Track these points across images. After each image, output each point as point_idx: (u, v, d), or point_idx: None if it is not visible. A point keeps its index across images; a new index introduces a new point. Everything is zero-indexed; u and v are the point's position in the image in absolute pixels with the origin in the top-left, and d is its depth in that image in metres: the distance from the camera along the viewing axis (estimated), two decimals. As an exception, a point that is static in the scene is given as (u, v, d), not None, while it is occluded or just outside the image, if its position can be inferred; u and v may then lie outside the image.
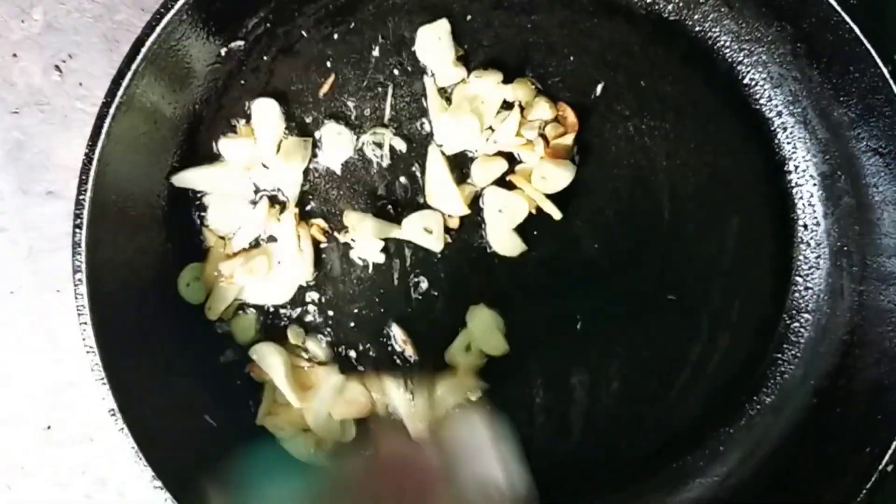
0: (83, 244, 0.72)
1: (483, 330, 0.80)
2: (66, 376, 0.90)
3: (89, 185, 0.71)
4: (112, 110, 0.68)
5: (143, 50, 0.71)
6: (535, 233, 0.81)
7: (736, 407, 0.82)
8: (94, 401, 0.89)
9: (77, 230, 0.71)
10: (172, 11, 0.70)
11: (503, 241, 0.80)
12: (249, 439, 0.83)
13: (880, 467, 0.70)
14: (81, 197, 0.71)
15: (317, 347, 0.83)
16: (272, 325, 0.83)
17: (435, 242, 0.80)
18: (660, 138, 0.79)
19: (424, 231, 0.79)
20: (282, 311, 0.83)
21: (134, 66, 0.70)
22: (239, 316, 0.83)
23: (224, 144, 0.80)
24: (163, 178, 0.79)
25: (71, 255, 0.72)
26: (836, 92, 0.74)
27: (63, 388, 0.91)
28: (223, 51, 0.78)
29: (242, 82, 0.79)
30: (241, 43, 0.78)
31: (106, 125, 0.68)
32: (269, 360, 0.81)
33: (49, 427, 0.91)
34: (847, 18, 0.66)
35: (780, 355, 0.81)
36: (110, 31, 0.85)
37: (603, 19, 0.79)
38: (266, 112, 0.79)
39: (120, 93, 0.69)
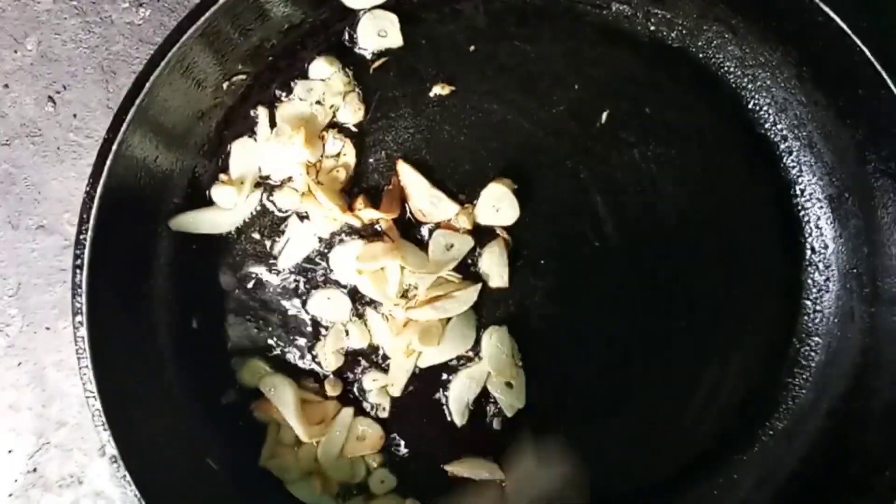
0: (84, 285, 0.69)
1: (496, 353, 0.79)
2: (55, 417, 0.87)
3: (90, 224, 0.69)
4: (115, 147, 0.66)
5: (151, 79, 0.69)
6: (542, 262, 0.80)
7: (749, 433, 0.82)
8: (83, 442, 0.87)
9: (77, 271, 0.69)
10: (176, 47, 0.69)
11: (494, 273, 0.80)
12: (252, 482, 0.81)
13: (901, 489, 0.70)
14: (82, 237, 0.68)
15: (330, 386, 0.81)
16: (282, 369, 0.82)
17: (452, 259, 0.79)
18: (666, 165, 0.79)
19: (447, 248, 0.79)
20: (289, 355, 0.82)
21: (140, 97, 0.69)
22: (248, 360, 0.81)
23: (215, 192, 0.79)
24: (163, 220, 0.78)
25: (71, 297, 0.70)
26: (843, 115, 0.74)
27: (51, 429, 0.88)
28: (225, 84, 0.77)
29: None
30: (243, 77, 0.77)
31: (109, 161, 0.66)
32: (281, 393, 0.79)
33: (35, 470, 0.88)
34: (858, 41, 0.66)
35: (791, 380, 0.81)
36: (107, 62, 0.83)
37: (607, 48, 0.79)
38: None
39: (124, 127, 0.68)
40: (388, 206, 0.78)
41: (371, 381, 0.81)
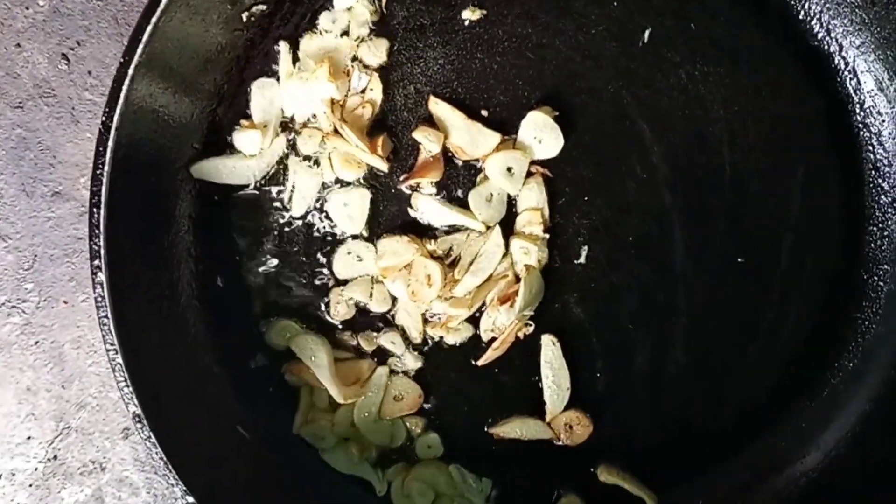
0: (101, 226, 0.65)
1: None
2: (75, 399, 0.83)
3: (107, 158, 0.65)
4: (131, 70, 0.62)
5: (153, 20, 0.65)
6: (585, 198, 0.76)
7: (815, 376, 0.77)
8: (104, 425, 0.83)
9: (94, 210, 0.65)
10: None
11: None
12: (286, 451, 0.77)
13: None
14: (99, 171, 0.65)
15: (364, 341, 0.77)
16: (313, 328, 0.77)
17: (515, 183, 0.75)
18: (715, 85, 0.75)
19: (508, 172, 0.74)
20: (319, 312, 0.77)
21: (143, 41, 0.65)
22: (277, 319, 0.77)
23: (237, 137, 0.75)
24: (183, 168, 0.74)
25: (88, 239, 0.66)
26: (904, 13, 0.70)
27: (71, 412, 0.84)
28: (244, 16, 0.73)
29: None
30: (262, 6, 0.73)
31: (125, 85, 0.62)
32: (314, 353, 0.75)
33: (55, 457, 0.84)
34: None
35: (859, 314, 0.76)
36: (121, 14, 0.80)
37: (645, -40, 0.75)
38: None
39: (138, 51, 0.64)
40: (425, 169, 0.74)
41: (389, 343, 0.76)
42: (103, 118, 0.63)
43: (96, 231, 0.63)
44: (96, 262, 0.64)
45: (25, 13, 0.81)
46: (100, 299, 0.65)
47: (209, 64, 0.72)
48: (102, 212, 0.63)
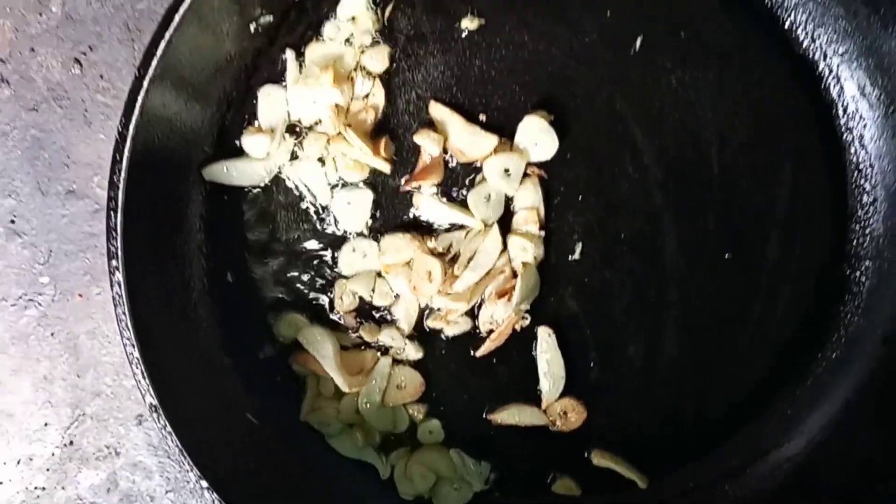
0: (118, 228, 0.68)
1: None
2: (90, 387, 0.86)
3: (122, 173, 0.67)
4: (146, 83, 0.65)
5: (167, 34, 0.68)
6: (579, 198, 0.78)
7: (801, 366, 0.79)
8: (118, 412, 0.86)
9: (111, 213, 0.68)
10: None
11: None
12: (293, 437, 0.80)
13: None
14: (115, 177, 0.67)
15: (366, 332, 0.80)
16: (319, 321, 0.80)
17: (512, 184, 0.77)
18: (704, 89, 0.77)
19: (505, 173, 0.77)
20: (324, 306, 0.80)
21: (158, 54, 0.67)
22: (285, 313, 0.80)
23: (245, 141, 0.78)
24: (194, 172, 0.77)
25: (106, 240, 0.69)
26: (885, 23, 0.72)
27: (86, 400, 0.87)
28: (252, 26, 0.76)
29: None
30: (269, 17, 0.76)
31: (133, 120, 0.65)
32: (320, 345, 0.78)
33: (71, 443, 0.87)
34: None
35: (842, 307, 0.78)
36: (132, 20, 0.83)
37: (637, -30, 0.77)
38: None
39: (153, 64, 0.66)
40: (426, 171, 0.77)
41: (389, 339, 0.79)
42: (119, 127, 0.65)
43: (113, 233, 0.66)
44: (114, 262, 0.67)
45: (39, 19, 0.83)
46: (117, 297, 0.68)
47: (219, 72, 0.75)
48: (119, 215, 0.66)
